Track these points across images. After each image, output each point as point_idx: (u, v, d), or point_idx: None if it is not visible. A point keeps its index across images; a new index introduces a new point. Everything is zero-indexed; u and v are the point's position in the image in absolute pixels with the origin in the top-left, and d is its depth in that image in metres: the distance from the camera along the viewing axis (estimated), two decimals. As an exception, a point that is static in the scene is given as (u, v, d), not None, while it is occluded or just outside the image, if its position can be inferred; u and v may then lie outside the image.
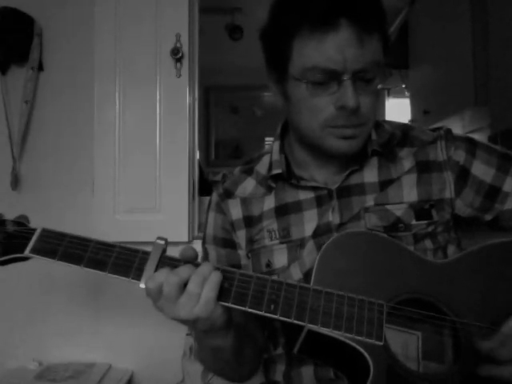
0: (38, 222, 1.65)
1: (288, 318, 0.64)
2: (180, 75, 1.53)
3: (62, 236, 0.69)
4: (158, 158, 1.53)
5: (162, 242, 0.67)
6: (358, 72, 0.70)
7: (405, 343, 0.71)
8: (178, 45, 1.51)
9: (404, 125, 0.89)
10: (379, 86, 0.73)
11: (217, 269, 0.65)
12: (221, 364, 0.80)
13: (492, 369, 0.66)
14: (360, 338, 0.65)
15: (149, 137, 1.53)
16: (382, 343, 0.65)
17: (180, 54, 1.50)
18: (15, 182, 1.57)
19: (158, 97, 1.53)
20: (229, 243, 0.87)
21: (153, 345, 1.56)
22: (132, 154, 1.53)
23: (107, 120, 1.53)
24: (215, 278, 0.63)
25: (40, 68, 1.59)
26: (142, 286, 0.64)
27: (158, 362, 1.58)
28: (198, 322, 0.64)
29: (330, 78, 0.70)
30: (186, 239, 1.52)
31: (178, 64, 1.52)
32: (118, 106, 1.53)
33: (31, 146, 1.61)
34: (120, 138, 1.53)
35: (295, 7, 0.71)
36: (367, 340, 0.65)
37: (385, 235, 0.75)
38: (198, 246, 0.93)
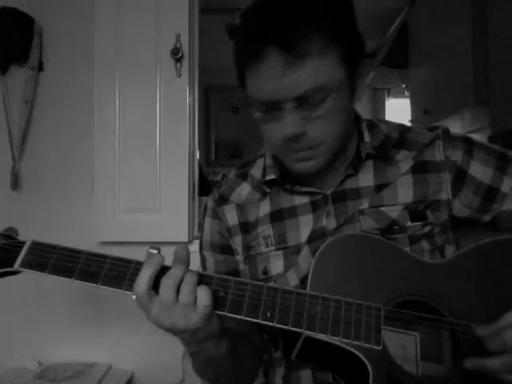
0: (38, 222, 1.66)
1: (285, 325, 0.64)
2: (180, 75, 1.53)
3: (52, 248, 0.67)
4: (158, 157, 1.53)
5: (155, 252, 0.65)
6: (297, 99, 0.67)
7: (403, 345, 0.71)
8: (178, 45, 1.51)
9: (400, 126, 0.87)
10: (330, 106, 0.68)
11: (211, 277, 0.66)
12: (218, 373, 0.79)
13: (479, 361, 0.65)
14: (358, 343, 0.64)
15: (149, 137, 1.53)
16: (380, 347, 0.65)
17: (180, 54, 1.50)
18: (15, 182, 1.57)
19: (157, 97, 1.53)
20: (226, 249, 0.86)
21: (153, 345, 1.56)
22: (132, 154, 1.53)
23: (107, 120, 1.53)
24: (204, 290, 0.63)
25: (40, 68, 1.60)
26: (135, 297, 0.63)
27: (158, 363, 1.58)
28: (198, 331, 0.64)
29: (272, 107, 0.69)
30: (185, 239, 1.52)
31: (178, 64, 1.52)
32: (117, 106, 1.53)
33: (31, 146, 1.61)
34: (120, 138, 1.53)
35: (241, 39, 0.70)
36: (365, 345, 0.64)
37: (380, 237, 0.74)
38: (197, 246, 0.93)
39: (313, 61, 0.65)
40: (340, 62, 0.67)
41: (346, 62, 0.68)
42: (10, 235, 0.71)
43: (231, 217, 0.86)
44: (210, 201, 0.90)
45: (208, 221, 0.89)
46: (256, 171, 0.88)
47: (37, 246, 0.68)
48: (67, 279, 0.66)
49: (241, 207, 0.86)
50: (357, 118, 0.83)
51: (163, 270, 0.64)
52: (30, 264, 0.67)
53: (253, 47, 0.66)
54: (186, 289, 0.63)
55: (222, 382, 0.83)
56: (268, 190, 0.84)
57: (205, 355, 0.71)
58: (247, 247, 0.84)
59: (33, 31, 1.55)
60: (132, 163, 1.53)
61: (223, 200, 0.87)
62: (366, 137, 0.81)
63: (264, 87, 0.67)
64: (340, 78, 0.68)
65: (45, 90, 1.61)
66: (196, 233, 1.59)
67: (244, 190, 0.87)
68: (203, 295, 0.63)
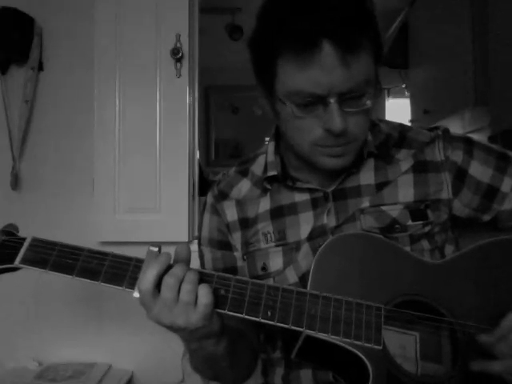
0: (38, 222, 1.66)
1: (285, 324, 0.64)
2: (180, 75, 1.52)
3: (52, 245, 0.67)
4: (158, 157, 1.53)
5: (156, 249, 0.65)
6: (344, 94, 0.66)
7: (403, 345, 0.71)
8: (178, 45, 1.51)
9: (401, 125, 0.87)
10: (368, 103, 0.69)
11: (212, 276, 0.66)
12: (215, 371, 0.80)
13: (485, 363, 0.66)
14: (358, 342, 0.64)
15: (149, 137, 1.53)
16: (380, 347, 0.65)
17: (180, 54, 1.50)
18: (15, 182, 1.57)
19: (157, 97, 1.53)
20: (224, 245, 0.86)
21: (153, 345, 1.56)
22: (132, 154, 1.53)
23: (107, 120, 1.53)
24: (205, 288, 0.63)
25: (40, 68, 1.60)
26: (136, 295, 0.63)
27: (158, 363, 1.58)
28: (198, 329, 0.64)
29: (315, 101, 0.68)
30: (185, 239, 1.52)
31: (178, 64, 1.52)
32: (117, 106, 1.53)
33: (31, 146, 1.61)
34: (120, 138, 1.53)
35: (277, 26, 0.66)
36: (366, 345, 0.65)
37: (380, 236, 0.74)
38: (197, 245, 0.93)
39: (363, 54, 0.65)
40: (373, 57, 0.68)
41: (376, 57, 0.69)
42: (11, 231, 0.71)
43: (231, 213, 0.86)
44: (209, 197, 0.90)
45: (207, 216, 0.89)
46: (257, 168, 0.88)
47: (37, 243, 0.68)
48: (67, 276, 0.65)
49: (240, 203, 0.86)
50: None
51: (165, 269, 0.64)
52: (30, 260, 0.67)
53: (304, 39, 0.64)
54: (186, 287, 0.63)
55: (219, 379, 0.84)
56: (269, 186, 0.84)
57: (203, 353, 0.71)
58: (246, 243, 0.84)
59: (33, 31, 1.55)
60: (132, 163, 1.53)
61: (223, 196, 0.87)
62: (368, 136, 0.81)
63: (312, 80, 0.65)
64: (374, 75, 0.69)
65: (45, 89, 1.61)
66: (196, 233, 1.59)
67: (244, 186, 0.87)
68: (204, 294, 0.63)
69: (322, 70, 0.64)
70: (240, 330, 0.81)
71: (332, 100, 0.66)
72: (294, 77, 0.66)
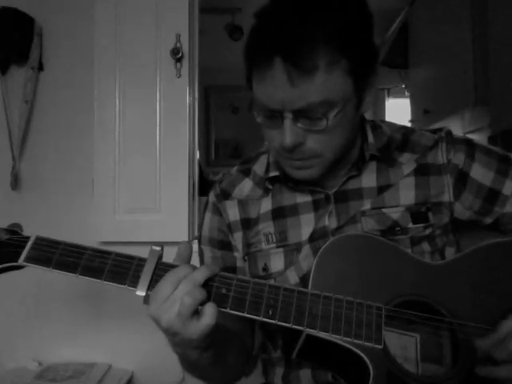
0: (38, 222, 1.66)
1: (286, 322, 0.64)
2: (180, 75, 1.53)
3: (56, 244, 0.68)
4: (158, 157, 1.53)
5: (158, 249, 0.66)
6: (299, 111, 0.66)
7: (403, 345, 0.71)
8: (178, 45, 1.51)
9: (404, 128, 0.86)
10: (328, 123, 0.67)
11: (214, 275, 0.65)
12: (200, 373, 0.79)
13: (490, 369, 0.66)
14: (359, 341, 0.65)
15: (149, 137, 1.53)
16: (381, 346, 0.65)
17: (180, 54, 1.50)
18: (15, 182, 1.57)
19: (157, 97, 1.53)
20: (225, 245, 0.86)
21: (153, 345, 1.56)
22: (132, 154, 1.53)
23: (107, 120, 1.53)
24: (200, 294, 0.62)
25: (40, 68, 1.60)
26: (139, 293, 0.63)
27: (158, 362, 1.58)
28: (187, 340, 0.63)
29: (274, 115, 0.69)
30: (186, 239, 1.52)
31: (178, 64, 1.52)
32: (118, 106, 1.53)
33: (31, 146, 1.61)
34: (120, 138, 1.53)
35: (251, 41, 0.69)
36: (366, 344, 0.65)
37: (382, 238, 0.74)
38: (197, 245, 0.93)
39: (319, 76, 0.64)
40: (349, 74, 0.66)
41: (356, 73, 0.67)
42: (15, 230, 0.71)
43: (233, 213, 0.86)
44: (211, 196, 0.90)
45: (208, 216, 0.89)
46: (259, 168, 0.88)
47: (41, 242, 0.68)
48: (71, 275, 0.66)
49: (242, 203, 0.85)
50: (361, 119, 0.82)
51: (167, 268, 0.64)
52: (34, 259, 0.67)
53: (260, 54, 0.66)
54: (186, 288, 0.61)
55: (207, 380, 0.83)
56: (270, 186, 0.84)
57: (187, 358, 0.70)
58: (247, 244, 0.84)
59: (33, 31, 1.55)
60: (132, 163, 1.53)
61: (225, 195, 0.87)
62: (370, 138, 0.81)
63: (267, 94, 0.67)
64: (346, 92, 0.67)
65: (45, 89, 1.61)
66: (196, 233, 1.59)
67: (246, 185, 0.87)
68: (209, 314, 0.61)
69: (273, 86, 0.66)
70: (231, 331, 0.80)
71: (287, 115, 0.67)
72: (257, 89, 0.69)
